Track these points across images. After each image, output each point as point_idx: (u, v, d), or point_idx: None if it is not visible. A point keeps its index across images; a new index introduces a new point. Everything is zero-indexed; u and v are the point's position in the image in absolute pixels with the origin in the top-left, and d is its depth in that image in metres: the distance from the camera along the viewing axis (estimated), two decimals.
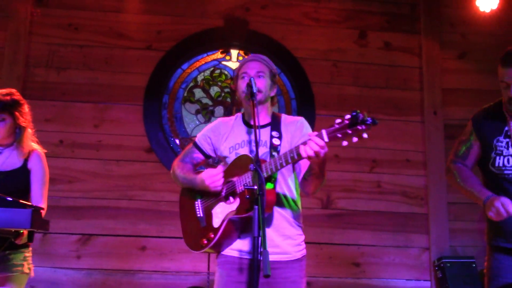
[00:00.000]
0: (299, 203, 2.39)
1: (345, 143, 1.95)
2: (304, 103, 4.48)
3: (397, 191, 4.37)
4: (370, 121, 1.89)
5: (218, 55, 4.58)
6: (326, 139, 1.99)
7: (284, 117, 2.46)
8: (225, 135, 2.45)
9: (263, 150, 2.31)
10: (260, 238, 1.99)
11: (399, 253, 4.29)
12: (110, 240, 4.08)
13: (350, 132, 1.92)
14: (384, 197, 4.35)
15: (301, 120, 2.44)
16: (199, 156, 2.51)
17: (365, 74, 4.57)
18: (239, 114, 2.52)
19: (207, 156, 2.50)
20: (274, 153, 2.27)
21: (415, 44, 4.63)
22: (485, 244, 2.62)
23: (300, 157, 2.06)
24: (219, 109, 4.51)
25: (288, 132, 2.38)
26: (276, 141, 2.14)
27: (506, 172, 2.46)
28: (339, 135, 1.95)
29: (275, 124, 2.39)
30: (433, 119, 4.50)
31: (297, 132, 2.37)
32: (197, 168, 2.53)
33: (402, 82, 4.58)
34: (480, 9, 4.33)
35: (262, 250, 1.96)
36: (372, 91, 4.54)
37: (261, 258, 1.95)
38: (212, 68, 4.57)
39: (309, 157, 2.02)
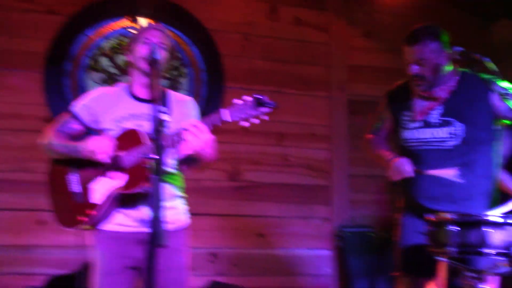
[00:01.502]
0: (181, 174, 2.40)
1: (245, 124, 2.02)
2: (214, 76, 4.45)
3: (303, 164, 4.50)
4: (273, 104, 2.00)
5: (125, 22, 4.41)
6: (228, 119, 2.02)
7: (172, 94, 2.43)
8: (108, 106, 2.35)
9: (150, 125, 2.26)
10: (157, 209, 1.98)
11: (302, 224, 4.44)
12: (5, 214, 3.86)
13: (252, 113, 2.00)
14: (290, 170, 4.47)
15: (192, 101, 2.44)
16: (77, 127, 2.38)
17: (276, 48, 4.60)
18: (123, 85, 2.44)
19: (86, 127, 2.40)
20: (162, 130, 2.25)
21: (324, 20, 4.72)
22: (383, 213, 2.81)
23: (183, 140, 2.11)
24: (126, 79, 4.36)
25: (178, 110, 2.36)
26: (164, 117, 2.13)
27: (411, 144, 2.65)
28: (243, 115, 2.01)
29: (163, 100, 2.35)
30: (339, 95, 4.64)
31: (186, 112, 2.37)
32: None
33: (311, 57, 4.67)
34: None
35: (157, 221, 1.95)
36: (282, 66, 4.59)
37: (155, 229, 1.95)
38: (119, 36, 4.39)
39: (192, 147, 2.08)
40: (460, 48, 2.41)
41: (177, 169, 2.39)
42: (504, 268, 2.22)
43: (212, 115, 2.07)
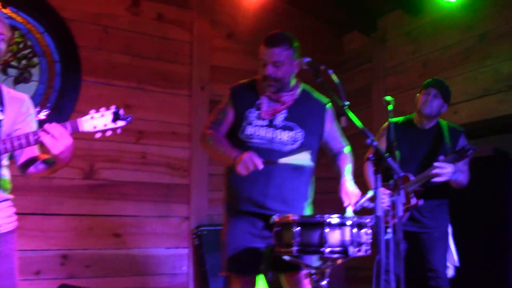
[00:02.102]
0: (9, 176, 2.28)
1: (98, 135, 1.98)
2: (70, 68, 4.21)
3: (162, 163, 4.46)
4: (130, 119, 2.00)
5: None
6: (83, 129, 1.98)
7: (6, 90, 2.27)
8: None
9: None
10: None
11: (160, 223, 4.41)
12: None
13: (108, 126, 1.98)
14: (148, 168, 4.41)
15: (28, 100, 2.31)
16: None
17: (137, 43, 4.49)
18: None
19: None
20: None
21: (188, 19, 4.72)
22: None
23: (37, 143, 2.00)
24: None
25: (13, 108, 2.21)
26: None
27: (252, 140, 2.73)
28: (98, 127, 1.98)
29: None
30: (200, 94, 4.68)
31: (22, 112, 2.23)
32: None
33: (173, 55, 4.64)
34: None
35: None
36: (143, 62, 4.50)
37: None
38: None
39: (52, 150, 1.98)
40: (307, 59, 2.57)
41: (5, 169, 2.24)
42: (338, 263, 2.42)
43: (67, 124, 2.00)
